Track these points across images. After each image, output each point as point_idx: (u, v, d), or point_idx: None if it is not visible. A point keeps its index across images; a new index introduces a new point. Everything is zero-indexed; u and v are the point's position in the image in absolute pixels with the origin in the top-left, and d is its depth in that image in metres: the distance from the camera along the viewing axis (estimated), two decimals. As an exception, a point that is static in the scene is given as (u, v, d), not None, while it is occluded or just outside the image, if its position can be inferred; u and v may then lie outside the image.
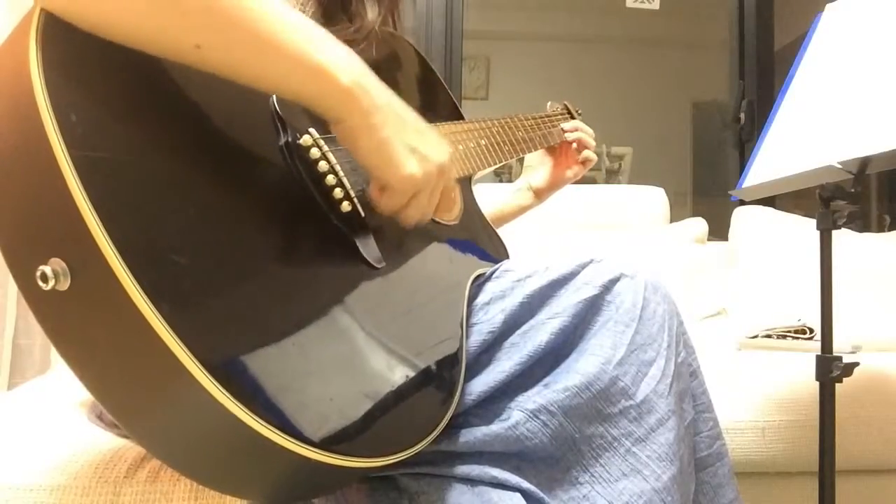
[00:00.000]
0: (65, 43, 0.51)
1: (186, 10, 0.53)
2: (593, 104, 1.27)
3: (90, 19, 0.52)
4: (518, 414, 0.66)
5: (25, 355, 1.69)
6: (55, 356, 1.67)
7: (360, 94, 0.60)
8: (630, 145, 3.93)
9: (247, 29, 0.55)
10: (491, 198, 1.11)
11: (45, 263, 0.47)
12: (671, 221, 2.07)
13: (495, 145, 0.99)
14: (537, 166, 1.16)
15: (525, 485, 0.65)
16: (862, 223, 2.61)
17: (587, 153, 1.13)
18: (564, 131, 1.13)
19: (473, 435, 0.66)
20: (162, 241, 0.49)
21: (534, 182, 1.15)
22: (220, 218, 0.55)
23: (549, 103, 1.20)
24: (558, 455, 0.67)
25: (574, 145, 1.13)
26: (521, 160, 1.14)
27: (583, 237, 1.92)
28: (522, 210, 1.15)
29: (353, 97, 0.59)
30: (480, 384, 0.69)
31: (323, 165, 0.65)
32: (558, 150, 1.15)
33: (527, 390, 0.69)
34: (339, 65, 0.59)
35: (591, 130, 1.15)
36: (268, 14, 0.55)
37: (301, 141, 0.65)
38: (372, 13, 0.86)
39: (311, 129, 0.66)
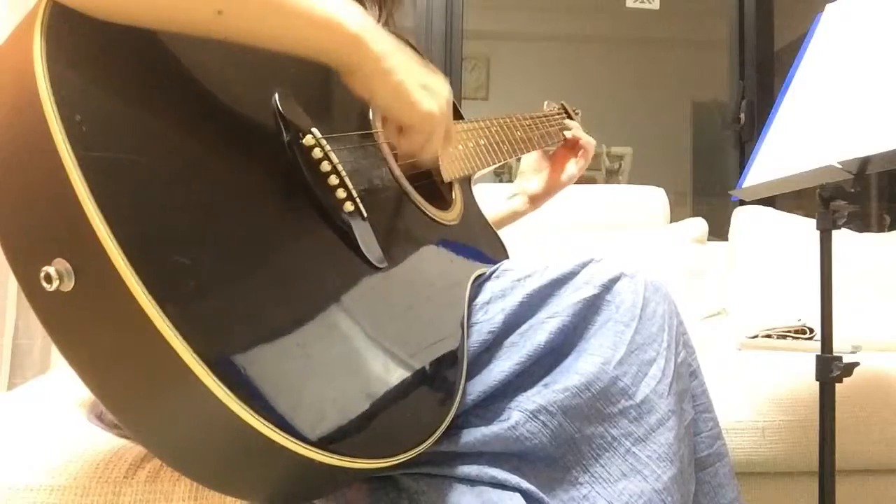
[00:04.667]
0: (70, 38, 0.50)
1: None
2: (593, 104, 1.27)
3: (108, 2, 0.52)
4: (518, 414, 0.66)
5: (25, 355, 1.69)
6: (55, 356, 1.67)
7: (368, 39, 0.63)
8: (630, 145, 3.93)
9: None
10: (484, 203, 1.10)
11: (49, 264, 0.47)
12: (671, 221, 2.06)
13: (494, 145, 0.99)
14: (531, 173, 1.14)
15: (525, 485, 0.65)
16: (862, 223, 2.61)
17: (585, 147, 1.12)
18: (563, 130, 1.12)
19: (473, 435, 0.66)
20: (166, 241, 0.49)
21: (529, 188, 1.13)
22: (224, 218, 0.55)
23: (545, 102, 1.19)
24: (558, 455, 0.67)
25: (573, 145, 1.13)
26: (519, 159, 1.13)
27: (583, 237, 1.92)
28: (516, 216, 1.13)
29: (362, 43, 0.62)
30: (480, 384, 0.69)
31: (325, 166, 0.65)
32: (554, 155, 1.14)
33: (526, 390, 0.69)
34: (345, 14, 0.61)
35: (590, 139, 1.14)
36: None
37: (304, 141, 0.65)
38: (373, 14, 0.87)
39: (314, 129, 0.66)
